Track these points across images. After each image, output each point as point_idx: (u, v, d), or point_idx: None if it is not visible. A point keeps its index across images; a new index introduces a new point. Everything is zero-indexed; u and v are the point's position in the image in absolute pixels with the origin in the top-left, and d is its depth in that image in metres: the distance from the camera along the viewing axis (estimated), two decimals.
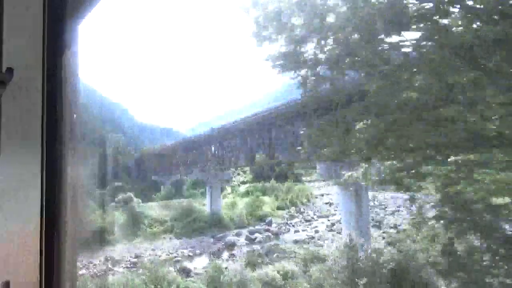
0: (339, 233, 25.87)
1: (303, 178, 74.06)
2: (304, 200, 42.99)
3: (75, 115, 1.24)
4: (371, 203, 36.13)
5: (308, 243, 23.21)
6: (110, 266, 21.01)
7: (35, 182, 1.09)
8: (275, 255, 20.37)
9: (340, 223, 31.93)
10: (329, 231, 27.60)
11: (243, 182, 59.13)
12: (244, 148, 26.60)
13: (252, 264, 17.66)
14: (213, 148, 33.17)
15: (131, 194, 29.42)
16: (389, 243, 15.37)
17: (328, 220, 34.78)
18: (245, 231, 29.49)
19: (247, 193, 45.65)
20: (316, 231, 29.08)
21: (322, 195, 56.42)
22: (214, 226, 30.05)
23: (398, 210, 33.86)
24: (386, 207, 36.35)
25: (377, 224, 27.76)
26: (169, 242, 26.73)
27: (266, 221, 32.32)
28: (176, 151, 47.38)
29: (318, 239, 23.96)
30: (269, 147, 23.55)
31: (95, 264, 21.23)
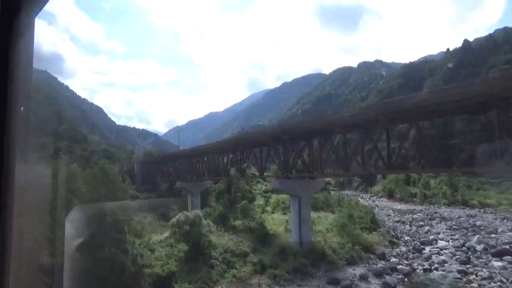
0: None
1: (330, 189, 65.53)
2: (379, 220, 34.29)
3: (22, 108, 1.13)
4: None
5: None
6: None
7: None
8: None
9: (473, 253, 23.39)
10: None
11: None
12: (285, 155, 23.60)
13: None
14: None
15: (199, 213, 19.17)
16: None
17: (439, 249, 26.26)
18: (365, 271, 20.18)
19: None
20: (463, 272, 20.33)
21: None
22: (318, 262, 20.45)
23: None
24: None
25: None
26: None
27: (377, 253, 23.14)
28: (205, 151, 37.16)
29: None
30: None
31: None
